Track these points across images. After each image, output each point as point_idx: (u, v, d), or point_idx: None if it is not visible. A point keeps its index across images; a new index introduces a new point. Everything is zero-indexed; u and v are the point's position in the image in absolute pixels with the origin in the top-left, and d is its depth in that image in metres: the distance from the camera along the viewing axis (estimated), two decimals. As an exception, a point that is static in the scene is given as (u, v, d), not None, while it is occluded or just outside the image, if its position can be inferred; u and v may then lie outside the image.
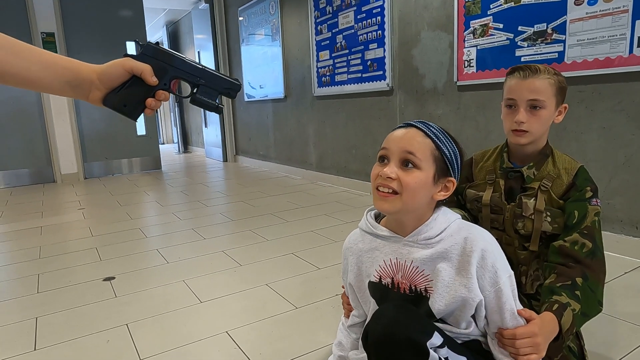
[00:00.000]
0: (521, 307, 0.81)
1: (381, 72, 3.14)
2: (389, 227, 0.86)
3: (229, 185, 4.24)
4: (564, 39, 2.00)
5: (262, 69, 4.80)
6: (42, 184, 4.59)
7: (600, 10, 1.86)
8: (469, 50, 2.47)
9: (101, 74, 0.69)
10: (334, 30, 3.56)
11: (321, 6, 3.67)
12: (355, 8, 3.29)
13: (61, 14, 4.51)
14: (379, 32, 3.09)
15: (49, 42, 4.39)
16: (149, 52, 0.73)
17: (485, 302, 0.79)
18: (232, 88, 0.78)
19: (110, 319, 1.52)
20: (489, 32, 2.34)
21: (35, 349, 1.35)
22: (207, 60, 5.82)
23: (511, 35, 2.24)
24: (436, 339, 0.75)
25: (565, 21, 1.99)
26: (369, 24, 3.18)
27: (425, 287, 0.81)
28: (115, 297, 1.70)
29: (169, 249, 2.26)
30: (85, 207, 3.36)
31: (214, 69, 0.79)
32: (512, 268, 0.81)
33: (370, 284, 0.88)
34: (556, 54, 2.04)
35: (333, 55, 3.62)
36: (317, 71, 3.85)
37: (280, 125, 4.66)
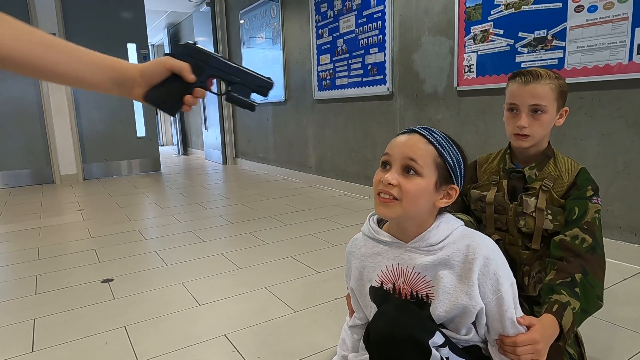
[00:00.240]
0: (522, 314, 0.81)
1: (381, 77, 3.14)
2: (391, 232, 0.86)
3: (228, 187, 4.23)
4: (564, 45, 2.01)
5: (262, 72, 4.77)
6: (41, 185, 4.58)
7: (600, 18, 1.87)
8: (469, 56, 2.48)
9: (143, 72, 0.72)
10: (334, 34, 3.57)
11: (322, 10, 3.68)
12: (356, 12, 3.30)
13: (62, 16, 4.51)
14: (380, 36, 3.10)
15: (50, 43, 4.40)
16: (188, 51, 0.76)
17: (487, 310, 0.79)
18: (265, 86, 0.81)
19: (109, 321, 1.51)
20: (490, 38, 2.35)
21: (33, 351, 1.34)
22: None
23: (511, 41, 2.25)
24: (438, 338, 0.76)
25: (566, 28, 2.00)
26: (370, 29, 3.19)
27: (427, 293, 0.81)
28: (114, 299, 1.70)
29: (167, 251, 2.25)
30: (84, 209, 3.36)
31: (248, 67, 0.81)
32: (515, 268, 0.81)
33: (372, 289, 0.88)
34: (556, 60, 2.05)
35: (334, 59, 3.63)
36: (318, 75, 3.86)
37: (280, 128, 4.66)
